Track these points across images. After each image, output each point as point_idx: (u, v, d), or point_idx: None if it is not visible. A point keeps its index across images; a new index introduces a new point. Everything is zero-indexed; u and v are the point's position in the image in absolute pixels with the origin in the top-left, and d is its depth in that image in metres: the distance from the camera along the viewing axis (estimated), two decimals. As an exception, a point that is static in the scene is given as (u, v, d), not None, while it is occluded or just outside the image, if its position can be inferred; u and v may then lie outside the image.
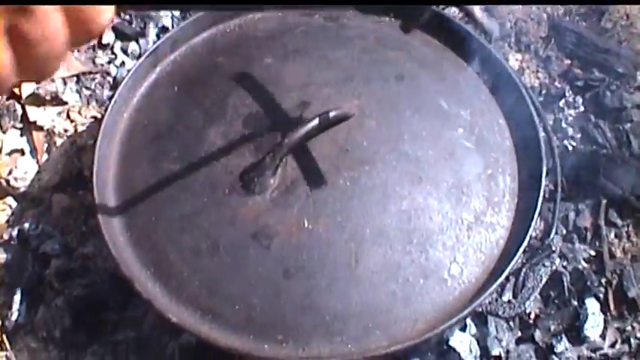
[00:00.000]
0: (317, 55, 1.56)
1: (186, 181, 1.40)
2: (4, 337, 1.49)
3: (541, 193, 1.39)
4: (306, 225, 1.33)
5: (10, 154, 1.71)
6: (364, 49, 1.57)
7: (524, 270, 1.51)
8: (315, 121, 1.36)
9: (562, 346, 1.47)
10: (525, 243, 1.34)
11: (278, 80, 1.51)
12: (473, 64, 1.56)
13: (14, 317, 1.51)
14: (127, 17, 1.92)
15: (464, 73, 1.56)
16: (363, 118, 1.44)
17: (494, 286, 1.30)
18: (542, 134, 1.47)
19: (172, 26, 1.89)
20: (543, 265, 1.53)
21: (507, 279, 1.46)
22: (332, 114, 1.39)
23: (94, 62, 1.86)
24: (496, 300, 1.50)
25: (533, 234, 1.45)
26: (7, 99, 1.77)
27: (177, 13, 1.90)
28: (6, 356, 1.47)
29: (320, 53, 1.56)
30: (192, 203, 1.37)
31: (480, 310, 1.47)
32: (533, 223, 1.35)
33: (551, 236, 1.48)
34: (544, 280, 1.52)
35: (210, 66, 1.56)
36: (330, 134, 1.41)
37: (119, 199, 1.41)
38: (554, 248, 1.55)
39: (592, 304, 1.52)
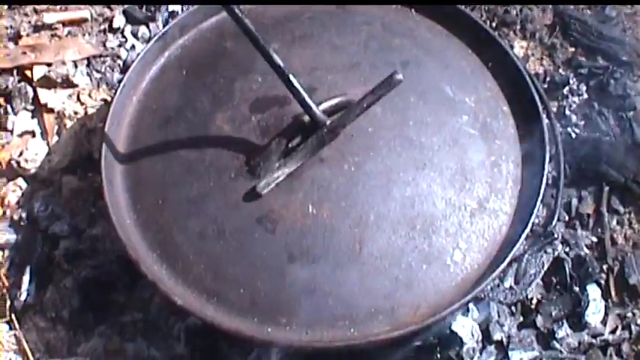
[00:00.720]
0: (324, 41, 1.57)
1: (193, 165, 1.41)
2: (14, 316, 1.51)
3: (544, 180, 1.40)
4: (310, 210, 1.35)
5: (21, 135, 1.72)
6: (370, 35, 1.58)
7: (526, 256, 1.52)
8: (321, 107, 1.38)
9: (563, 331, 1.49)
10: (528, 229, 1.35)
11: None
12: (478, 52, 1.58)
13: (23, 297, 1.53)
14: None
15: (469, 60, 1.57)
16: (369, 104, 1.46)
17: (497, 272, 1.32)
18: (545, 121, 1.48)
19: (182, 10, 1.89)
20: (545, 252, 1.54)
21: (509, 265, 1.47)
22: (337, 100, 1.40)
23: (104, 45, 1.87)
24: (498, 286, 1.51)
25: (536, 220, 1.45)
26: (19, 81, 1.79)
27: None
28: (15, 335, 1.49)
29: (327, 39, 1.57)
30: (198, 187, 1.39)
31: (482, 295, 1.48)
32: (535, 210, 1.37)
33: (554, 223, 1.48)
34: (546, 267, 1.53)
35: (219, 51, 1.57)
36: (335, 120, 1.42)
37: (127, 181, 1.43)
38: (556, 235, 1.56)
39: (593, 291, 1.53)
